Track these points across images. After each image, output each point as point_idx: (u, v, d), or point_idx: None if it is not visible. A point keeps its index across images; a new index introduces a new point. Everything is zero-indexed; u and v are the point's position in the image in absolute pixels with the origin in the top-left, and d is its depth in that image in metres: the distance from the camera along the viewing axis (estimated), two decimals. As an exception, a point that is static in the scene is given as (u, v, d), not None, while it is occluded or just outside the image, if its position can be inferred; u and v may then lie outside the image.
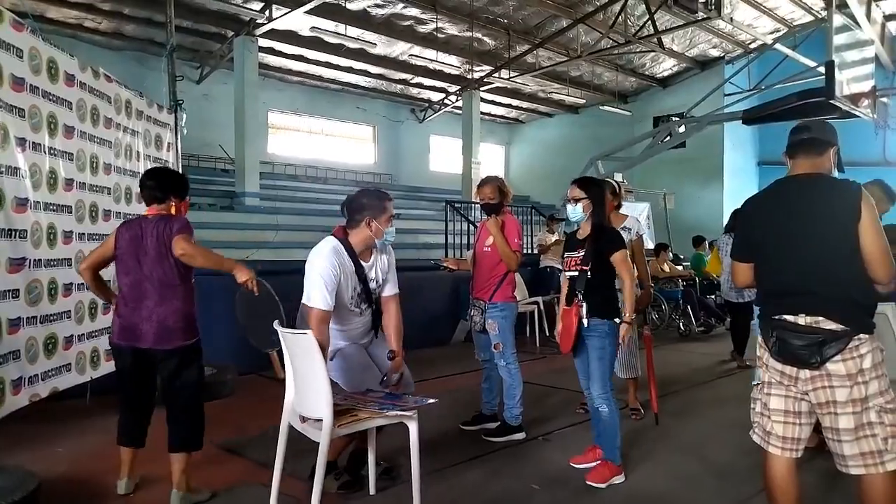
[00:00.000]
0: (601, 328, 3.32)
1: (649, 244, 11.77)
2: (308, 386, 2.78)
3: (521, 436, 4.08)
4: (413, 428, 2.81)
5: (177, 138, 5.62)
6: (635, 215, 4.97)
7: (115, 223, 4.68)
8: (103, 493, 3.19)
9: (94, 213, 4.43)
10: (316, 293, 2.89)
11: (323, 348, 2.72)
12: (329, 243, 3.02)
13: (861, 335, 2.22)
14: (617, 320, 3.33)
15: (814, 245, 2.31)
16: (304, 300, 2.95)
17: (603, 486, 3.27)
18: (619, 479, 3.34)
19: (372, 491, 3.18)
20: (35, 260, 3.71)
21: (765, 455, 2.42)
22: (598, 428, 3.46)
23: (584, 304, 3.32)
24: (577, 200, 3.46)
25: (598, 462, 3.40)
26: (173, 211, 3.25)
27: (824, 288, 2.26)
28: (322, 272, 2.91)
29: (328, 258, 2.95)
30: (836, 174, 2.53)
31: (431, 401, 2.92)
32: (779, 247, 2.39)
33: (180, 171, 5.59)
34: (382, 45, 13.43)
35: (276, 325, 2.88)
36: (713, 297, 9.52)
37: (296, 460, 3.06)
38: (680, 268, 10.28)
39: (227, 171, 13.34)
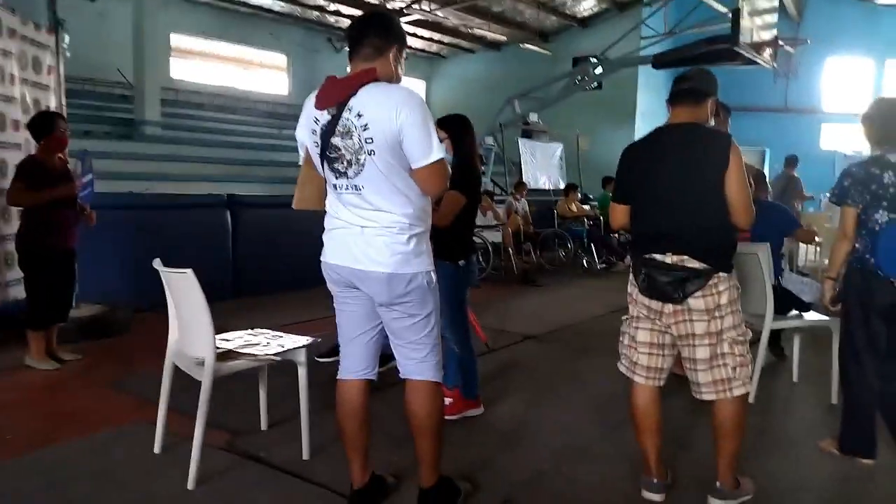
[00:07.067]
0: (443, 270, 3.28)
1: (560, 185, 12.05)
2: (190, 325, 2.72)
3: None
4: (301, 366, 2.84)
5: (58, 61, 5.18)
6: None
7: (-15, 151, 4.36)
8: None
9: (-39, 140, 4.08)
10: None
11: None
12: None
13: (720, 273, 2.39)
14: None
15: (684, 190, 2.43)
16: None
17: (455, 417, 3.30)
18: (475, 412, 3.44)
19: (263, 426, 3.21)
20: None
21: (631, 384, 2.61)
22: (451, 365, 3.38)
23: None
24: (441, 140, 3.38)
25: (454, 399, 3.41)
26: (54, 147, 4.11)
27: (691, 230, 2.41)
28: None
29: None
30: (712, 123, 2.66)
31: (316, 339, 2.99)
32: (653, 191, 2.51)
33: (63, 97, 5.23)
34: (296, -32, 12.76)
35: (156, 263, 2.76)
36: (615, 235, 9.91)
37: (184, 397, 3.02)
38: (587, 207, 10.60)
39: (126, 98, 12.53)
